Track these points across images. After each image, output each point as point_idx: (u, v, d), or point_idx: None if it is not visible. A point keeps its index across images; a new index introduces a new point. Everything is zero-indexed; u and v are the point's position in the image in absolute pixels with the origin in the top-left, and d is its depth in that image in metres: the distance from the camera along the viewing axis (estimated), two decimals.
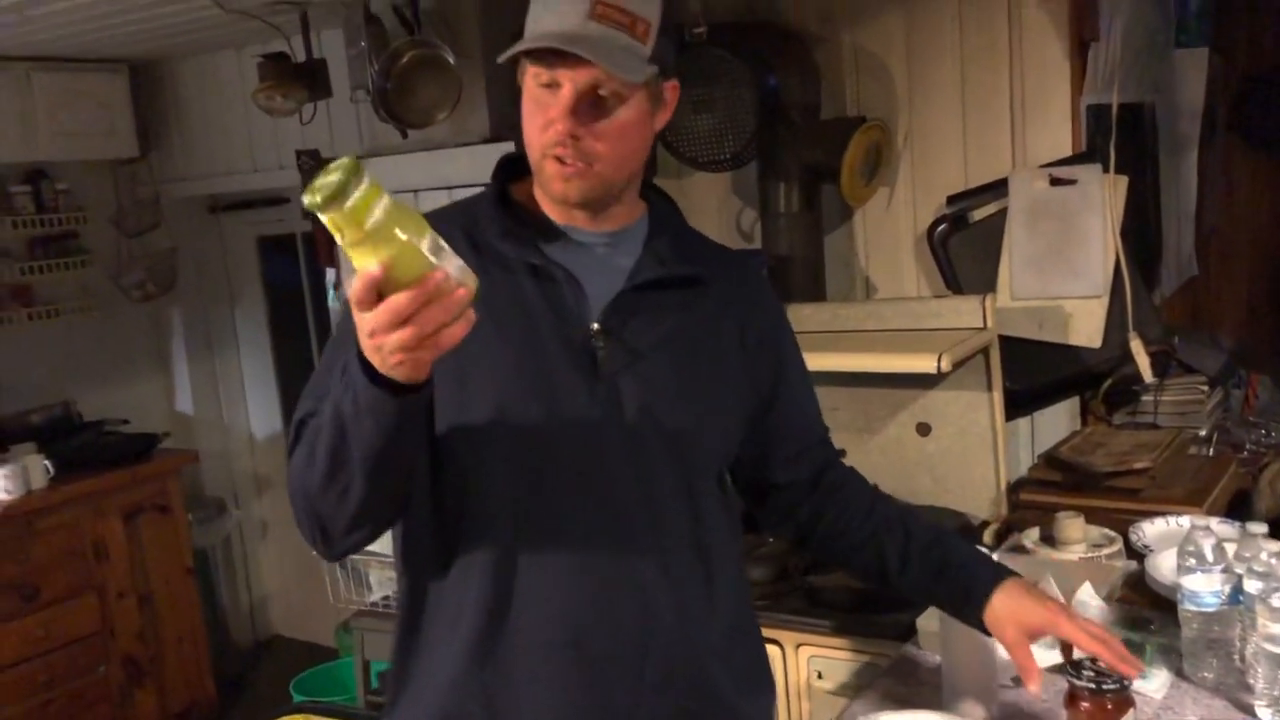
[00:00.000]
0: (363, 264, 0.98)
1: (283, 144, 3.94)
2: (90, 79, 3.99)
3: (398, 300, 0.98)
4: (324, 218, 0.96)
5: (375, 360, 1.04)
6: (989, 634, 1.42)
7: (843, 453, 1.58)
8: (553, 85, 1.25)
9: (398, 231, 0.97)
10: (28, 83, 3.78)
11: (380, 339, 1.01)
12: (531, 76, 1.28)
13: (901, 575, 1.47)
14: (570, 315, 1.32)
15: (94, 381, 4.31)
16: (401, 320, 0.98)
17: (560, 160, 1.28)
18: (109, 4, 3.04)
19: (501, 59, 1.27)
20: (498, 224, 1.34)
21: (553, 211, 1.37)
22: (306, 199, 0.96)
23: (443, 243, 1.00)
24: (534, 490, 1.29)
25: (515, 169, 1.41)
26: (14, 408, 3.88)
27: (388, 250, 0.97)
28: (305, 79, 3.28)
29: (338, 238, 0.98)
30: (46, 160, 4.00)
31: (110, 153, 4.18)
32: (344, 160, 0.97)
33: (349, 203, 0.95)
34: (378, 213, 0.96)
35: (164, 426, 4.34)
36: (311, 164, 3.61)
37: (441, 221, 1.22)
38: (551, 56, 1.24)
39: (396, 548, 1.40)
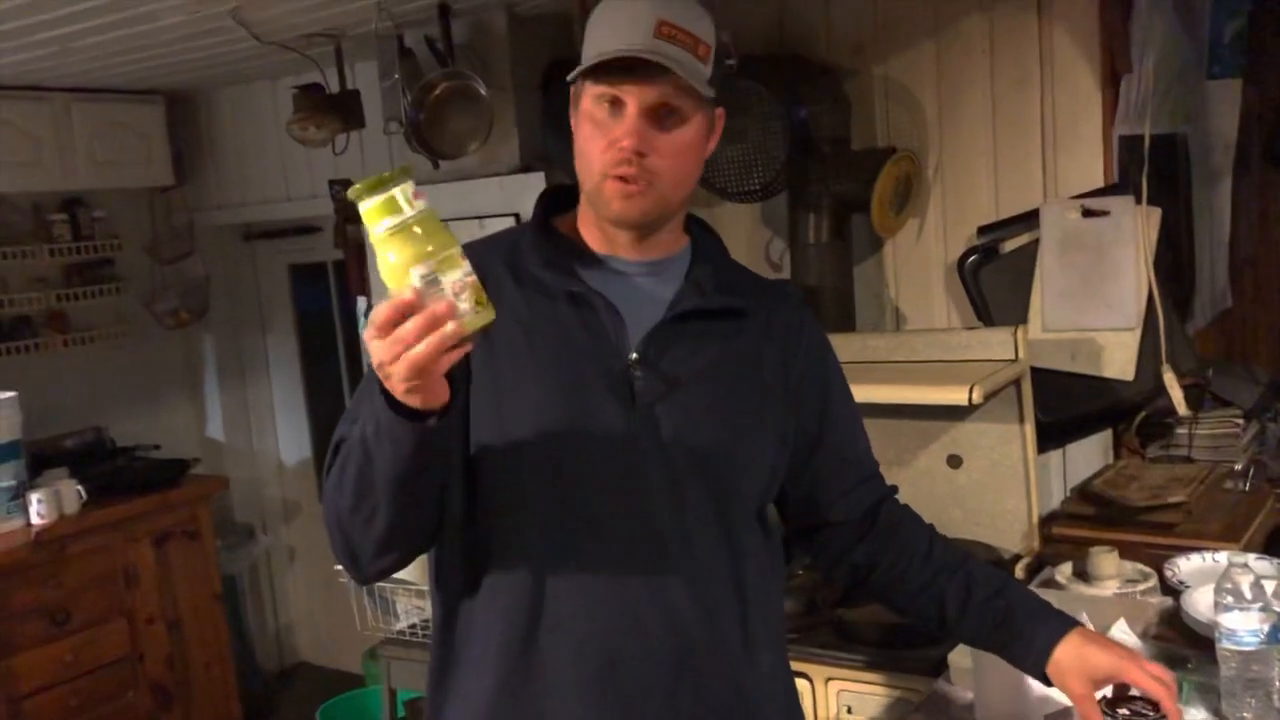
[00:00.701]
0: (382, 257, 1.05)
1: (316, 174, 3.98)
2: (127, 109, 4.06)
3: (401, 331, 1.03)
4: (361, 208, 1.05)
5: (389, 387, 1.07)
6: (1050, 684, 1.39)
7: (895, 489, 1.55)
8: (616, 104, 1.26)
9: (416, 230, 1.04)
10: (67, 113, 3.84)
11: (387, 368, 1.05)
12: (593, 99, 1.28)
13: (960, 624, 1.44)
14: (609, 344, 1.32)
15: (127, 407, 4.36)
16: (405, 347, 1.02)
17: (622, 179, 1.27)
18: (147, 36, 3.09)
19: (571, 78, 1.29)
20: (539, 253, 1.35)
21: (595, 242, 1.38)
22: (350, 191, 1.06)
23: (444, 275, 1.03)
24: (567, 517, 1.29)
25: (558, 202, 1.42)
26: (48, 432, 3.92)
27: (411, 248, 1.04)
28: (339, 110, 3.32)
29: (369, 231, 1.06)
30: (84, 189, 4.06)
31: (146, 181, 4.23)
32: (400, 167, 1.07)
33: (384, 195, 1.04)
34: (407, 212, 1.04)
35: (195, 452, 4.38)
36: (343, 193, 3.65)
37: (484, 250, 1.24)
38: (619, 74, 1.24)
39: (430, 572, 1.40)
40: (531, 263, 1.34)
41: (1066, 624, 1.40)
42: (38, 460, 3.70)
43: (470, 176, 3.13)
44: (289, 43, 3.19)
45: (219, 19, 2.89)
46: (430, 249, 1.03)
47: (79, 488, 3.63)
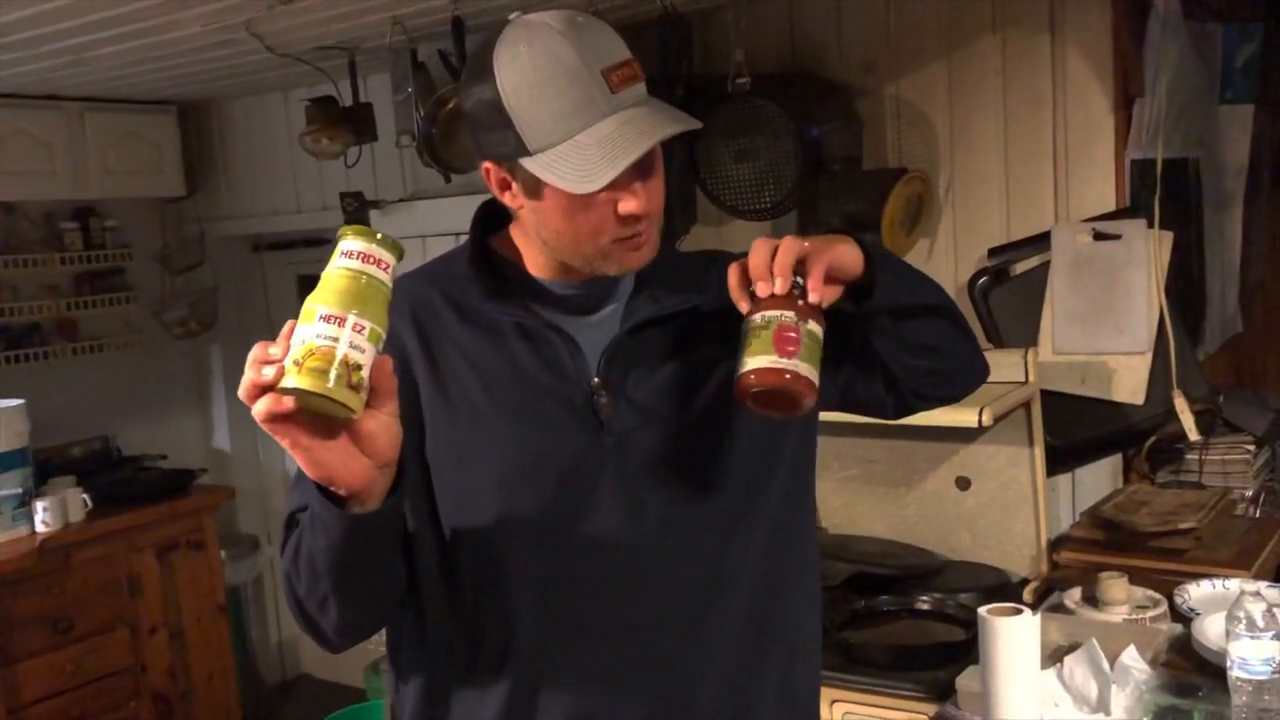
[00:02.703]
0: (316, 290, 1.00)
1: (327, 186, 3.99)
2: (140, 120, 4.07)
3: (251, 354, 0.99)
4: (340, 243, 1.01)
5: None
6: None
7: None
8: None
9: (362, 285, 0.98)
10: (80, 123, 3.86)
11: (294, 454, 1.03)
12: None
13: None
14: (569, 374, 1.23)
15: (134, 416, 4.36)
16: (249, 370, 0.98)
17: (629, 237, 1.19)
18: (163, 47, 3.10)
19: (598, 188, 1.12)
20: (480, 285, 1.25)
21: (536, 265, 1.27)
22: (344, 229, 1.02)
23: (345, 332, 0.96)
24: (557, 564, 1.22)
25: (492, 221, 1.32)
26: (55, 440, 3.93)
27: (344, 293, 0.98)
28: (351, 123, 3.33)
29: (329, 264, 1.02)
30: (96, 198, 4.08)
31: (158, 191, 4.25)
32: (396, 242, 1.01)
33: (365, 242, 0.99)
34: (368, 269, 0.98)
35: (201, 463, 4.38)
36: (355, 205, 3.66)
37: (419, 283, 1.18)
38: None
39: (393, 639, 1.31)
40: (474, 296, 1.25)
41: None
42: (44, 468, 3.70)
43: (481, 191, 3.10)
44: (303, 55, 3.20)
45: (234, 30, 2.90)
46: (356, 309, 0.96)
47: (85, 496, 3.63)
